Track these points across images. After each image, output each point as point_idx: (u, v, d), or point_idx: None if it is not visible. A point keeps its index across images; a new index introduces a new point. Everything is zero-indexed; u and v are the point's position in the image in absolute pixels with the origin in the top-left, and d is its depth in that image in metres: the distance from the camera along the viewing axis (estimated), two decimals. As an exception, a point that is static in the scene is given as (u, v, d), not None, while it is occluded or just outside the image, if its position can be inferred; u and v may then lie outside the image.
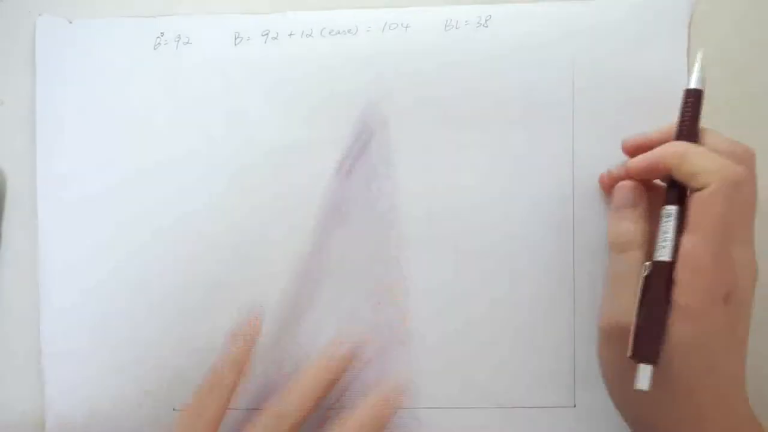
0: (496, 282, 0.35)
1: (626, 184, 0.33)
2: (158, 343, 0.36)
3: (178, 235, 0.36)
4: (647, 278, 0.30)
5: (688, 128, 0.32)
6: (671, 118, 0.34)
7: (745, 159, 0.31)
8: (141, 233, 0.36)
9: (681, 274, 0.29)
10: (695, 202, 0.30)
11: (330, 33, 0.36)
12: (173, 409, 0.36)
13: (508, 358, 0.35)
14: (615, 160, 0.34)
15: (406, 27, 0.36)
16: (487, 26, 0.36)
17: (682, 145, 0.31)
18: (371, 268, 0.36)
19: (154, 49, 0.36)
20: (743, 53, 0.36)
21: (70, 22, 0.36)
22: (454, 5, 0.36)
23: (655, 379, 0.29)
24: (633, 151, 0.34)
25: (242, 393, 0.34)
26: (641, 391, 0.29)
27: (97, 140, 0.36)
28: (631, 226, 0.32)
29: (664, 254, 0.30)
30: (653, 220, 0.32)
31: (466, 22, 0.36)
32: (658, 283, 0.30)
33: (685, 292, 0.29)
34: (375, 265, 0.36)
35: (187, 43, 0.36)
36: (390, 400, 0.33)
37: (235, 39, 0.36)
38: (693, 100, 0.32)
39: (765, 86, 0.36)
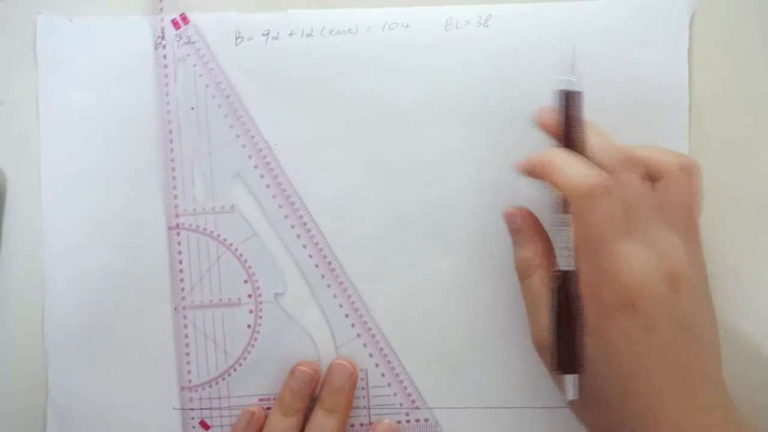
0: (495, 281, 0.35)
1: (508, 212, 0.33)
2: (162, 341, 0.36)
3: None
4: (554, 291, 0.30)
5: (569, 133, 0.31)
6: (671, 118, 0.34)
7: (619, 161, 0.30)
8: (144, 230, 0.36)
9: (580, 287, 0.29)
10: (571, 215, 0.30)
11: (330, 33, 0.36)
12: (173, 408, 0.36)
13: (508, 358, 0.35)
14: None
15: (406, 26, 0.36)
16: (487, 26, 0.36)
17: (551, 155, 0.30)
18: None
19: (155, 48, 0.36)
20: (744, 52, 0.36)
21: (71, 21, 0.36)
22: (455, 5, 0.36)
23: (585, 388, 0.29)
24: (540, 126, 0.32)
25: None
26: (573, 401, 0.29)
27: (99, 139, 0.36)
28: (525, 250, 0.32)
29: (563, 264, 0.30)
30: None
31: (466, 21, 0.36)
32: (563, 294, 0.30)
33: (585, 304, 0.29)
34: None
35: (188, 42, 0.36)
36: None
37: (236, 38, 0.36)
38: (570, 102, 0.31)
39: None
